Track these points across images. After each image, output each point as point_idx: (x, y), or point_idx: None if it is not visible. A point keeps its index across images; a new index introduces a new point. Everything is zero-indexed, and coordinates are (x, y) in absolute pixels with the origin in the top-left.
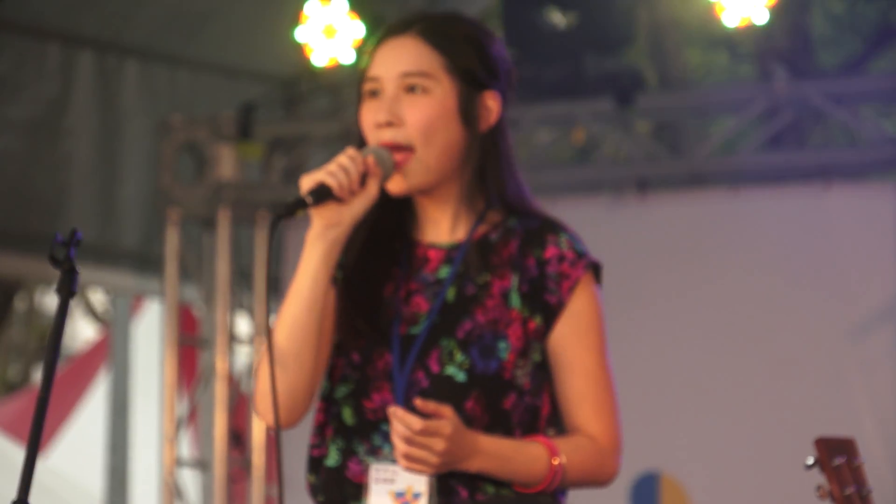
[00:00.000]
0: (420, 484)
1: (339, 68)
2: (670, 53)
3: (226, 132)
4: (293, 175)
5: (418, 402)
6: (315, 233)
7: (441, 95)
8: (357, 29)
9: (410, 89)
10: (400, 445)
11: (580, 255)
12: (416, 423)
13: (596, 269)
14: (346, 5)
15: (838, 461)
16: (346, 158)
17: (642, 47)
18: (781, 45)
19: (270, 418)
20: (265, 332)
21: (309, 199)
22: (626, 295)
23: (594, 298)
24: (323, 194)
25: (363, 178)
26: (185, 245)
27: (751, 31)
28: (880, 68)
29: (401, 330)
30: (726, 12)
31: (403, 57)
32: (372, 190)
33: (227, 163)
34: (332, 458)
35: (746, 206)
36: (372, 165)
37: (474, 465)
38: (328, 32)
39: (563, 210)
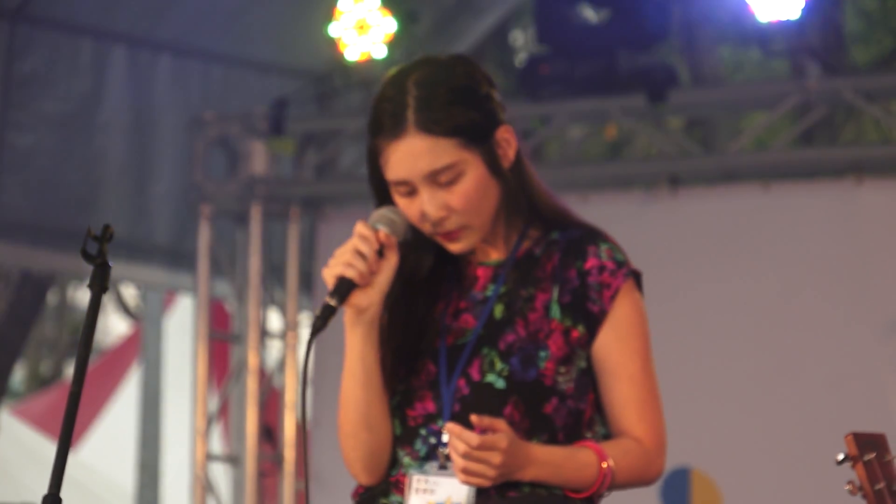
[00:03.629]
0: (460, 496)
1: (371, 63)
2: (703, 50)
3: (258, 128)
4: (326, 170)
5: (474, 418)
6: (350, 320)
7: (471, 171)
8: (389, 24)
9: (447, 180)
10: (458, 461)
11: (620, 264)
12: (473, 438)
13: (637, 277)
14: (379, 1)
15: (869, 457)
16: (359, 241)
17: (675, 43)
18: (814, 41)
19: (364, 479)
20: (296, 328)
21: (334, 302)
22: (657, 290)
23: (636, 305)
24: (347, 290)
25: (381, 251)
26: (217, 240)
27: (783, 27)
28: None
29: (447, 342)
30: (759, 8)
31: (421, 160)
32: (392, 260)
33: (259, 158)
34: (395, 469)
35: (778, 202)
36: (385, 238)
37: (528, 474)
38: (361, 28)
39: (595, 206)
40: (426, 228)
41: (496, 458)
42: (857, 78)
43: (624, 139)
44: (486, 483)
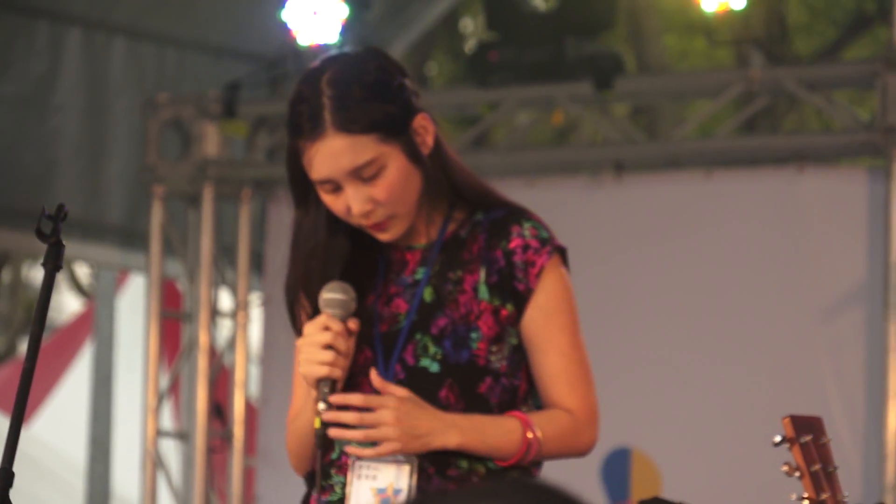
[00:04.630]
0: (401, 480)
1: (323, 48)
2: (649, 38)
3: (211, 111)
4: (277, 153)
5: (374, 380)
6: None
7: (392, 163)
8: (341, 10)
9: (368, 174)
10: (353, 422)
11: (544, 241)
12: (355, 398)
13: (562, 253)
14: None
15: (805, 439)
16: (332, 337)
17: (621, 32)
18: (758, 31)
19: (300, 472)
20: (246, 308)
21: (324, 407)
22: (601, 274)
23: (562, 281)
24: (332, 390)
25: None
26: (170, 221)
27: (728, 17)
28: (854, 55)
29: (381, 329)
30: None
31: (343, 159)
32: (353, 328)
33: (211, 141)
34: (335, 453)
35: (721, 189)
36: (353, 326)
37: (452, 440)
38: (312, 13)
39: (542, 190)
40: (354, 221)
41: (387, 414)
42: (799, 68)
43: (570, 125)
44: (395, 445)
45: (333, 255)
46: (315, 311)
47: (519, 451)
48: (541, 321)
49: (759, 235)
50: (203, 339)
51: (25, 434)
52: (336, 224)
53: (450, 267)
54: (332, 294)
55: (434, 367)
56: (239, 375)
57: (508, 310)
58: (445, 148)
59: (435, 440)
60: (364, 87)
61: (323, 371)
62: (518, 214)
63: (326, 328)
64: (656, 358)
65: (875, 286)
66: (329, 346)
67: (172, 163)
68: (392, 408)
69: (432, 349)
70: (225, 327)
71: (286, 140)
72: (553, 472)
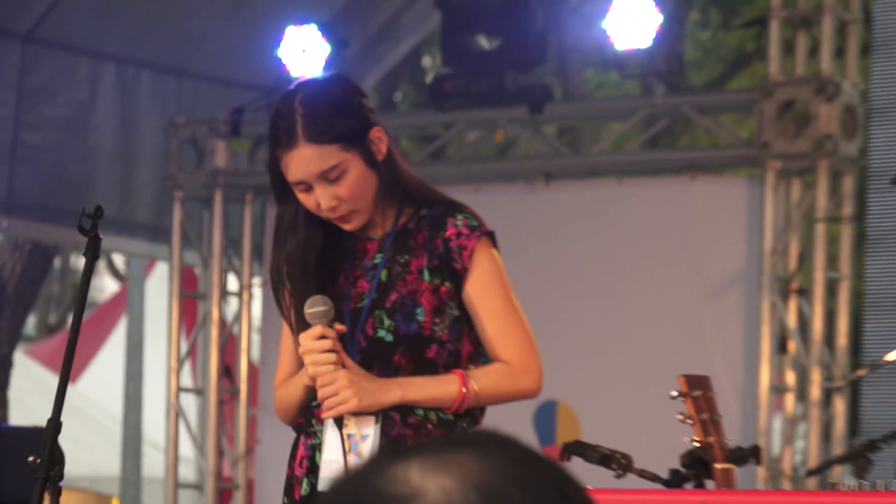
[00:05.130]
0: (368, 428)
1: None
2: (572, 71)
3: (220, 130)
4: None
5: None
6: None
7: (353, 167)
8: (324, 48)
9: (333, 176)
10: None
11: (474, 228)
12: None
13: (491, 236)
14: (315, 29)
15: (696, 393)
16: (331, 344)
17: (551, 66)
18: (660, 65)
19: (287, 423)
20: (249, 288)
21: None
22: (534, 260)
23: (491, 258)
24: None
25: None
26: (187, 219)
27: (636, 53)
28: (736, 86)
29: (350, 305)
30: (617, 38)
31: (312, 164)
32: (340, 329)
33: (221, 155)
34: (314, 403)
35: (630, 193)
36: (340, 328)
37: (396, 396)
38: (302, 51)
39: (486, 195)
40: (323, 215)
41: (343, 381)
42: (693, 96)
43: (509, 142)
44: (354, 402)
45: (310, 244)
46: (294, 290)
47: (457, 401)
48: (476, 292)
49: (660, 230)
50: (215, 313)
51: (73, 390)
52: (311, 219)
53: (399, 252)
54: (315, 308)
55: (388, 338)
56: (244, 343)
57: (447, 287)
58: (396, 155)
59: (383, 396)
60: (329, 106)
61: (332, 373)
62: (454, 209)
63: (323, 337)
64: (579, 329)
65: (752, 271)
66: (329, 351)
67: (189, 173)
68: (344, 377)
69: (387, 322)
70: (232, 304)
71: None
72: (492, 421)
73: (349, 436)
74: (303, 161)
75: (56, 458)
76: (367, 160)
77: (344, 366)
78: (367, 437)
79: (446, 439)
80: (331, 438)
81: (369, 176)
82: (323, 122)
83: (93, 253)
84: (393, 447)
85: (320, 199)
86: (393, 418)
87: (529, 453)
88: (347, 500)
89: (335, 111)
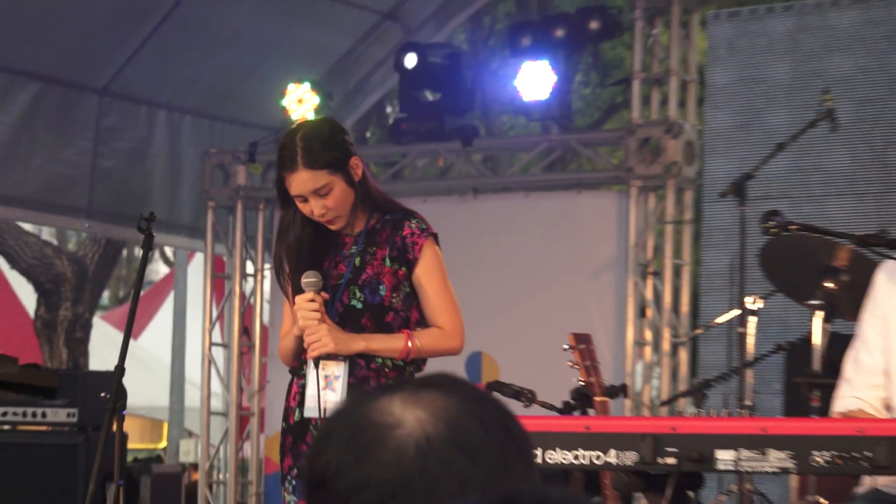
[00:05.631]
0: (339, 370)
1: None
2: (493, 116)
3: (241, 158)
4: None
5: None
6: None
7: (338, 186)
8: (315, 99)
9: (324, 192)
10: (309, 337)
11: (423, 230)
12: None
13: (435, 237)
14: (309, 85)
15: (581, 346)
16: (318, 305)
17: (477, 113)
18: (555, 112)
19: (287, 365)
20: (262, 271)
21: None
22: (466, 254)
23: (434, 252)
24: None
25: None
26: (217, 222)
27: (538, 103)
28: (609, 127)
29: (332, 282)
30: (525, 91)
31: (308, 184)
32: (325, 297)
33: (241, 175)
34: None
35: (534, 204)
36: (325, 296)
37: (361, 345)
38: (300, 101)
39: (431, 205)
40: (315, 218)
41: (324, 332)
42: (578, 134)
43: (447, 166)
44: (331, 346)
45: (304, 238)
46: (293, 273)
47: (404, 352)
48: (422, 276)
49: (555, 230)
50: (237, 289)
51: (134, 344)
52: (305, 221)
53: (369, 245)
54: (309, 279)
55: (359, 306)
56: (257, 310)
57: (403, 271)
58: (368, 177)
59: (352, 345)
60: (321, 141)
61: (317, 325)
62: (409, 215)
63: (312, 300)
64: (499, 302)
65: (621, 259)
66: (315, 310)
67: (218, 188)
68: (325, 328)
69: (358, 294)
70: (249, 283)
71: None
72: (437, 366)
73: (325, 376)
74: (301, 181)
75: (121, 394)
76: (347, 181)
77: (325, 322)
78: (339, 376)
79: (419, 380)
80: (312, 377)
81: (349, 192)
82: (316, 153)
83: (148, 246)
84: (380, 386)
85: (313, 208)
86: (359, 363)
87: (481, 394)
88: (344, 425)
89: (325, 145)
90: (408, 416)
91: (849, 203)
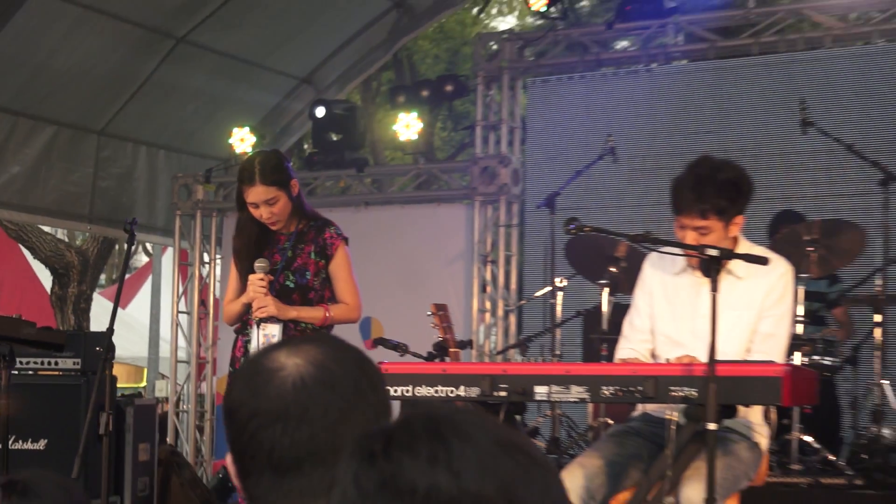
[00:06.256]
0: (276, 330)
1: (245, 155)
2: (379, 150)
3: (200, 180)
4: (227, 198)
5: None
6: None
7: (282, 198)
8: (252, 139)
9: (272, 203)
10: (256, 304)
11: (339, 235)
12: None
13: (346, 240)
14: (248, 129)
15: (441, 313)
16: (266, 283)
17: (367, 148)
18: (422, 147)
19: (229, 324)
20: (214, 261)
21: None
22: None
23: (345, 251)
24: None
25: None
26: (183, 225)
27: (411, 141)
28: (461, 159)
29: (271, 268)
30: (400, 134)
31: (261, 195)
32: (271, 278)
33: (200, 192)
34: (248, 316)
35: (408, 213)
36: (271, 277)
37: (293, 313)
38: (241, 140)
39: (335, 214)
40: (263, 221)
41: (269, 301)
42: (439, 163)
43: (347, 186)
44: (272, 310)
45: (253, 234)
46: (246, 261)
47: (322, 320)
48: (335, 268)
49: (423, 232)
50: (196, 273)
51: (123, 312)
52: (255, 221)
53: (299, 243)
54: (261, 263)
55: (291, 285)
56: (211, 287)
57: (322, 263)
58: (301, 194)
59: (286, 312)
60: (272, 166)
61: (272, 309)
62: (329, 223)
63: (262, 278)
64: (385, 283)
65: (468, 252)
66: (264, 285)
67: (184, 201)
68: (270, 298)
69: (291, 277)
70: (206, 268)
71: (233, 191)
72: (339, 331)
73: (265, 334)
74: (256, 193)
75: (111, 347)
76: (288, 195)
77: (269, 294)
78: (275, 335)
79: (302, 338)
80: (256, 335)
81: (288, 203)
82: (268, 173)
83: (130, 242)
84: (275, 343)
85: (262, 213)
86: (290, 326)
87: (345, 345)
88: (247, 371)
89: (274, 169)
90: (289, 362)
91: (624, 213)
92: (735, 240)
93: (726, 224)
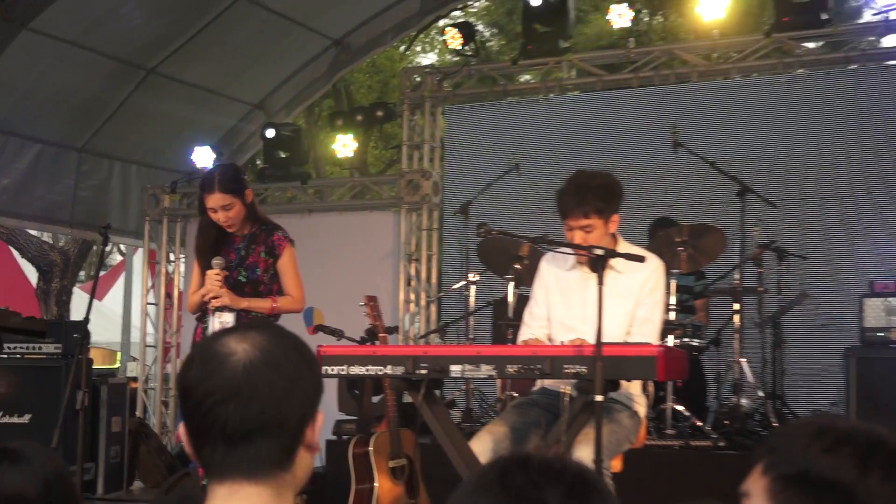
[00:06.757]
0: (230, 318)
1: (206, 168)
2: (321, 166)
3: (166, 191)
4: (191, 205)
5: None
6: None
7: (237, 205)
8: (212, 156)
9: (228, 208)
10: (211, 295)
11: (285, 237)
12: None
13: (292, 242)
14: (209, 148)
15: (371, 303)
16: (222, 278)
17: (311, 164)
18: (357, 163)
19: (192, 313)
20: (178, 260)
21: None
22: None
23: (291, 252)
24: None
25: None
26: (151, 229)
27: (349, 158)
28: (390, 173)
29: (227, 264)
30: (340, 152)
31: (220, 201)
32: (225, 273)
33: (166, 201)
34: (206, 306)
35: (346, 220)
36: (226, 273)
37: (245, 304)
38: (202, 156)
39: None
40: (220, 224)
41: (224, 292)
42: (371, 177)
43: (293, 197)
44: (226, 301)
45: (213, 236)
46: (206, 259)
47: (270, 310)
48: (282, 266)
49: (358, 235)
50: (163, 270)
51: (100, 303)
52: (214, 224)
53: (251, 244)
54: (218, 261)
55: (243, 280)
56: (176, 282)
57: (271, 261)
58: (255, 202)
59: (239, 302)
60: (229, 177)
61: (218, 291)
62: (278, 227)
63: (218, 274)
64: (324, 277)
65: (396, 252)
66: (220, 280)
67: (153, 209)
68: (225, 290)
69: (244, 273)
70: (171, 266)
71: (195, 200)
72: (286, 319)
73: (221, 322)
74: (215, 199)
75: (86, 333)
76: (243, 202)
77: (224, 287)
78: (229, 322)
79: (248, 326)
80: (212, 323)
81: (243, 209)
82: (227, 182)
83: (104, 243)
84: (225, 329)
85: (220, 217)
86: (242, 315)
87: (286, 332)
88: (201, 354)
89: (232, 178)
90: (239, 348)
91: (526, 219)
92: (615, 238)
93: (605, 221)
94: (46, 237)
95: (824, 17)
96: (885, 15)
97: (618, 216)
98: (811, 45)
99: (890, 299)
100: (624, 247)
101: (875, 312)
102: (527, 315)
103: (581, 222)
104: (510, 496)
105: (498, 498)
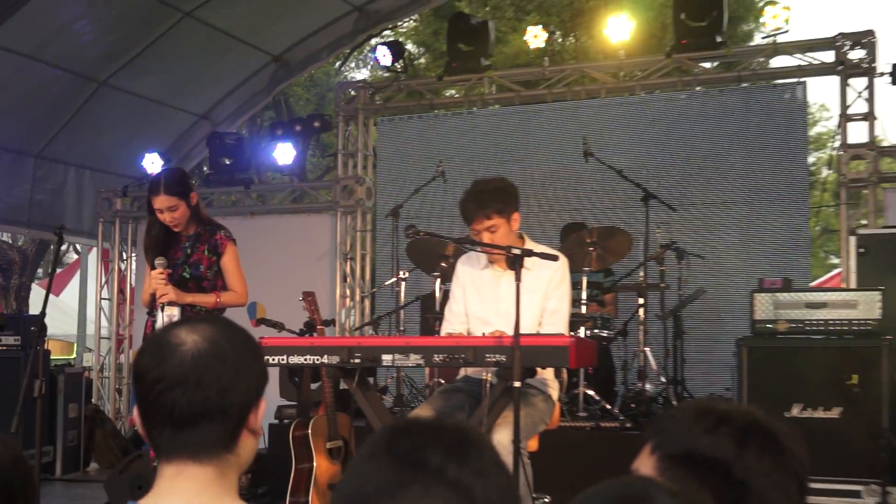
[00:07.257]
0: (176, 312)
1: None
2: (262, 172)
3: (118, 195)
4: (142, 208)
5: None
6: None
7: (181, 206)
8: (161, 162)
9: (174, 209)
10: (158, 292)
11: (228, 237)
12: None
13: (234, 241)
14: (157, 154)
15: (309, 298)
16: (166, 276)
17: (253, 170)
18: (296, 170)
19: (145, 307)
20: (130, 258)
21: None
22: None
23: (233, 249)
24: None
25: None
26: (105, 230)
27: (287, 165)
28: (327, 179)
29: (174, 262)
30: (279, 158)
31: (165, 203)
32: (169, 272)
33: (118, 204)
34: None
35: (286, 221)
36: (168, 271)
37: (189, 298)
38: (152, 163)
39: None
40: (167, 224)
41: (169, 289)
42: (309, 183)
43: (237, 200)
44: (172, 297)
45: (159, 235)
46: (153, 256)
47: (213, 304)
48: (225, 263)
49: (298, 236)
50: (116, 267)
51: (57, 298)
52: (161, 224)
53: (196, 242)
54: (160, 260)
55: (188, 276)
56: (128, 278)
57: (214, 259)
58: (199, 202)
59: (184, 297)
60: (174, 180)
61: (164, 290)
62: (221, 226)
63: (161, 273)
64: (267, 275)
65: (333, 251)
66: (163, 277)
67: (106, 211)
68: (170, 286)
69: (188, 270)
70: (124, 264)
71: (145, 203)
72: (231, 313)
73: (168, 315)
74: (161, 201)
75: (43, 326)
76: (187, 204)
77: (169, 284)
78: (176, 316)
79: (198, 318)
80: (160, 316)
81: (187, 210)
82: (172, 185)
83: (59, 243)
84: (176, 321)
85: (166, 218)
86: (187, 309)
87: (233, 325)
88: (153, 343)
89: (177, 181)
90: (188, 338)
91: (451, 221)
92: (522, 238)
93: (507, 220)
94: (6, 237)
95: (719, 39)
96: (773, 38)
97: (518, 215)
98: (707, 65)
99: (777, 294)
100: (530, 244)
101: (764, 306)
102: (447, 312)
103: (485, 224)
104: (397, 461)
105: (386, 463)
